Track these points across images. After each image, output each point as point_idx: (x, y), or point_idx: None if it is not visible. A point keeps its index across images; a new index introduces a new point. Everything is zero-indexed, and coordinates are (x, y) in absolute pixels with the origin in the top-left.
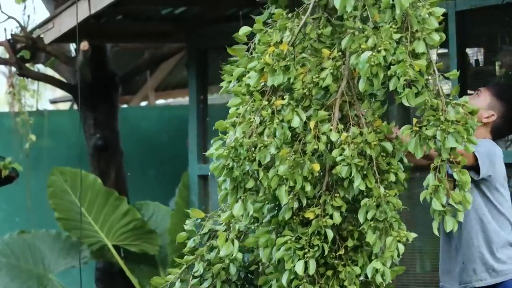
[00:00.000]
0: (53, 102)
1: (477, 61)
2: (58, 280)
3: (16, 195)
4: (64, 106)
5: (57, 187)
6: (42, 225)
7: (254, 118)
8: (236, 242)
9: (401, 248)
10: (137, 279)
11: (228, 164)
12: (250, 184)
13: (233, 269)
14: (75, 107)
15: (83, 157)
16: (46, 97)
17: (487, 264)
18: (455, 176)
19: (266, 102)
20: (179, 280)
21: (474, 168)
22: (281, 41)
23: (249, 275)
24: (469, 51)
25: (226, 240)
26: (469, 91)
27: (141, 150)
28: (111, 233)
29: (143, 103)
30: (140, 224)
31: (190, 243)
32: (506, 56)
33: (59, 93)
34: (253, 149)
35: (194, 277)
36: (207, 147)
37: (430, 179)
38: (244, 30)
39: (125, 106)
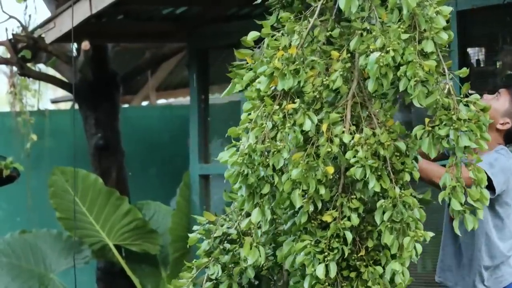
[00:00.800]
0: (54, 101)
1: (478, 61)
2: (59, 279)
3: (17, 194)
4: (65, 105)
5: (58, 187)
6: (43, 224)
7: (266, 123)
8: (262, 249)
9: (419, 248)
10: (138, 279)
11: (243, 171)
12: (266, 189)
13: (251, 273)
14: (77, 106)
15: (84, 156)
16: (47, 97)
17: (483, 278)
18: (471, 174)
19: (277, 107)
20: (192, 284)
21: (488, 186)
22: (289, 45)
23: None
24: (470, 50)
25: (251, 247)
26: (470, 91)
27: (142, 150)
28: (112, 233)
29: (144, 103)
30: (141, 224)
31: (204, 246)
32: (507, 56)
33: (60, 92)
34: (266, 154)
35: (209, 280)
36: (208, 147)
37: (447, 179)
38: (253, 35)
39: (126, 106)
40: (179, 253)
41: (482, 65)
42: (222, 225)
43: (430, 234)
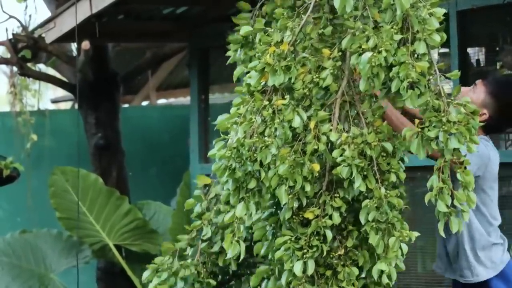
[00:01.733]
0: (54, 101)
1: (478, 60)
2: (59, 279)
3: (18, 194)
4: (66, 105)
5: (59, 187)
6: (44, 224)
7: (255, 118)
8: (243, 244)
9: (405, 248)
10: (138, 279)
11: (231, 165)
12: (252, 184)
13: (234, 265)
14: (77, 106)
15: (85, 156)
16: (48, 97)
17: (469, 263)
18: (458, 176)
19: (267, 102)
20: (188, 244)
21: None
22: (281, 41)
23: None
24: (470, 50)
25: (232, 241)
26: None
27: (142, 149)
28: (113, 233)
29: (145, 103)
30: (141, 224)
31: (197, 208)
32: (507, 56)
33: (60, 92)
34: (254, 149)
35: (203, 241)
36: (209, 147)
37: (434, 181)
38: (246, 29)
39: (126, 105)
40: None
41: (482, 65)
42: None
43: (416, 234)
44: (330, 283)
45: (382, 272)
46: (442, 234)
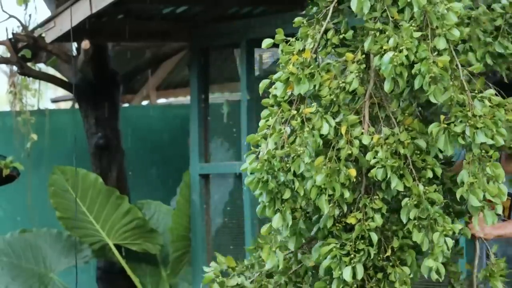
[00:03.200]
0: (54, 101)
1: None
2: (59, 279)
3: (17, 194)
4: (66, 105)
5: (59, 186)
6: (44, 224)
7: (284, 129)
8: (281, 254)
9: (449, 241)
10: (138, 278)
11: (263, 177)
12: (287, 194)
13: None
14: (77, 106)
15: (84, 156)
16: (48, 96)
17: None
18: (487, 170)
19: (295, 111)
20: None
21: None
22: (303, 49)
23: None
24: None
25: (269, 252)
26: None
27: (142, 149)
28: (112, 232)
29: (145, 102)
30: (141, 223)
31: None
32: None
33: (61, 92)
34: (286, 159)
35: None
36: (208, 146)
37: (464, 176)
38: (267, 42)
39: (126, 105)
40: (179, 253)
41: None
42: (239, 274)
43: (459, 226)
44: (382, 285)
45: (430, 268)
46: (477, 228)
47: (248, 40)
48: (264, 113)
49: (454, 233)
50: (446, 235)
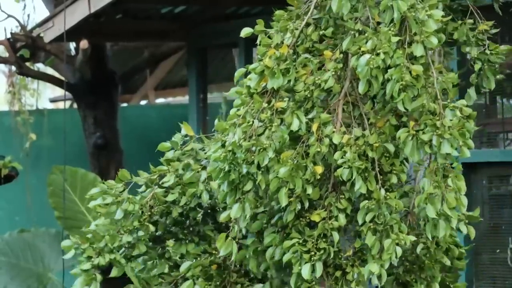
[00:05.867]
0: (53, 101)
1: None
2: (58, 279)
3: (16, 193)
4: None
5: (57, 186)
6: (42, 223)
7: (253, 120)
8: (235, 245)
9: (399, 251)
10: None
11: (224, 167)
12: (248, 186)
13: (205, 197)
14: (75, 105)
15: (83, 155)
16: (46, 96)
17: None
18: (449, 182)
19: (266, 104)
20: (145, 183)
21: None
22: (282, 43)
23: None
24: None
25: (225, 239)
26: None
27: (141, 148)
28: None
29: (143, 102)
30: None
31: (169, 154)
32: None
33: (59, 92)
34: (251, 151)
35: (160, 187)
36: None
37: (426, 183)
38: (246, 31)
39: (125, 104)
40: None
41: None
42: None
43: (411, 238)
44: (340, 284)
45: (372, 273)
46: (429, 236)
47: (246, 39)
48: (236, 102)
49: (405, 243)
50: (397, 244)
